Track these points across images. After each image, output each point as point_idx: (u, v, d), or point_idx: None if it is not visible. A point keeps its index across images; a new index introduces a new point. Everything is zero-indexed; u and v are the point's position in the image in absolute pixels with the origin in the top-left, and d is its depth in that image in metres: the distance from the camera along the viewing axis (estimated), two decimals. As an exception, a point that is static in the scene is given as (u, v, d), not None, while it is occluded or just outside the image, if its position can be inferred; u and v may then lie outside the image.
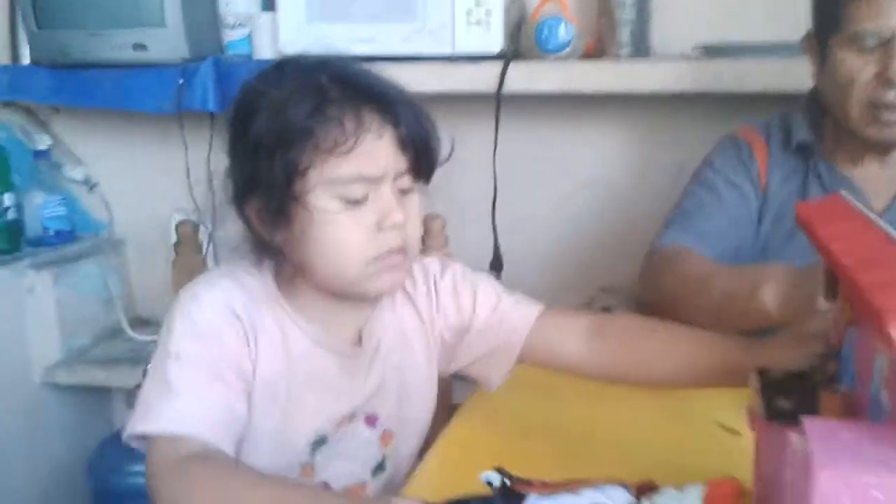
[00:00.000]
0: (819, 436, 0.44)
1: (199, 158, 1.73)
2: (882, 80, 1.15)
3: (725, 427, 0.94)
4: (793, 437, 0.46)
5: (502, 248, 1.78)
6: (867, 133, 1.20)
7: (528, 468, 0.72)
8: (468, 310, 1.01)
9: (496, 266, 1.78)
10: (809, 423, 0.45)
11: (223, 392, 0.86)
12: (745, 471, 0.73)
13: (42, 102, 1.98)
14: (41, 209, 1.99)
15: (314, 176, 0.84)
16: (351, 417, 0.96)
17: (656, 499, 0.66)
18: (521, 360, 1.00)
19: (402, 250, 0.88)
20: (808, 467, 0.43)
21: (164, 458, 0.81)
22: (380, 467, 0.99)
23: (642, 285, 1.29)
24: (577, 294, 1.95)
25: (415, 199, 0.91)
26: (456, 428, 1.02)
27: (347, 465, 0.96)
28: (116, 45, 1.76)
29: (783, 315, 0.95)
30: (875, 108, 1.17)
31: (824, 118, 1.29)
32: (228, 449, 0.84)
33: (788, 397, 0.64)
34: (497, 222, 1.76)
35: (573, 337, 0.99)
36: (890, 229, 0.53)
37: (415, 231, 0.91)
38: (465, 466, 0.89)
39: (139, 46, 1.76)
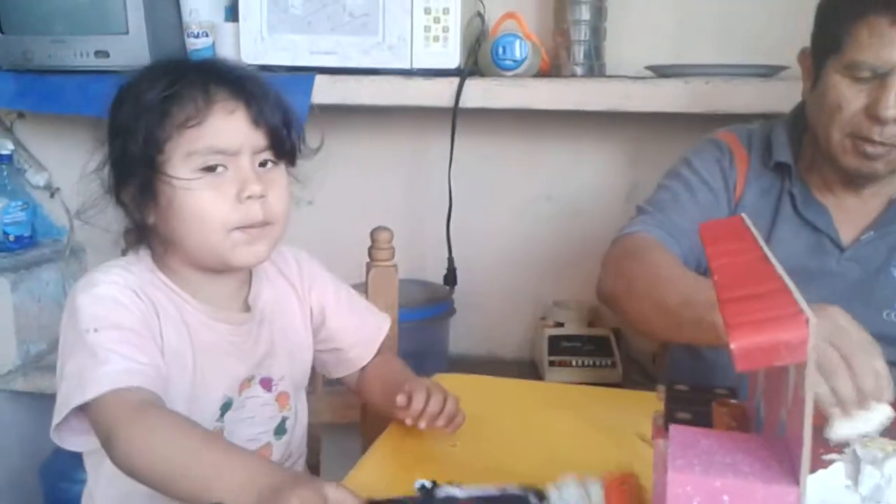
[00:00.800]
0: (680, 442, 0.46)
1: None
2: (870, 113, 1.12)
3: (644, 439, 0.97)
4: (660, 442, 0.48)
5: (456, 262, 1.81)
6: (843, 161, 1.18)
7: (457, 472, 0.76)
8: (331, 302, 1.13)
9: (450, 280, 1.81)
10: (674, 431, 0.48)
11: (148, 349, 0.91)
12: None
13: (5, 107, 1.98)
14: (2, 214, 1.99)
15: (171, 149, 0.91)
16: (250, 381, 1.03)
17: (562, 487, 0.69)
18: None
19: (264, 222, 0.95)
20: (666, 470, 0.45)
21: (115, 409, 0.84)
22: (280, 429, 1.06)
23: (604, 271, 1.26)
24: (531, 308, 1.98)
25: (278, 175, 0.98)
26: (392, 430, 1.04)
27: (252, 428, 1.03)
28: (79, 52, 1.77)
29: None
30: (857, 139, 1.15)
31: (805, 135, 1.28)
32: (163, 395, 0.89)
33: (688, 409, 0.67)
34: (452, 236, 1.79)
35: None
36: (770, 254, 0.55)
37: (278, 204, 0.96)
38: (399, 469, 0.93)
39: (101, 53, 1.77)
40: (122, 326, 0.90)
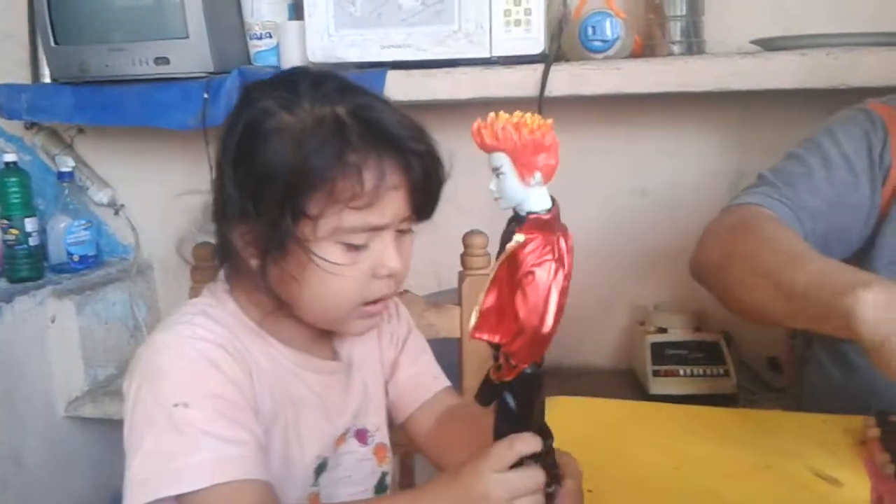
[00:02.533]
0: None
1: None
2: None
3: (823, 476, 0.81)
4: None
5: (547, 265, 1.66)
6: None
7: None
8: (398, 351, 1.01)
9: (541, 284, 1.66)
10: None
11: (246, 422, 0.77)
12: None
13: (63, 122, 1.91)
14: (65, 234, 1.91)
15: (323, 224, 0.77)
16: (344, 435, 0.91)
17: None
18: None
19: (389, 297, 0.85)
20: None
21: None
22: (381, 486, 0.95)
23: (707, 239, 1.09)
24: (628, 313, 1.83)
25: (410, 240, 0.85)
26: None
27: (349, 487, 0.91)
28: (138, 60, 1.69)
29: (874, 332, 0.79)
30: None
31: None
32: (268, 477, 0.76)
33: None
34: (542, 237, 1.64)
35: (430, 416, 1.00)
36: None
37: (404, 273, 0.85)
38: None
39: (161, 60, 1.67)
40: (215, 398, 0.76)
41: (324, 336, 0.91)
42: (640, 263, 1.80)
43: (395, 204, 0.79)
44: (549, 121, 0.61)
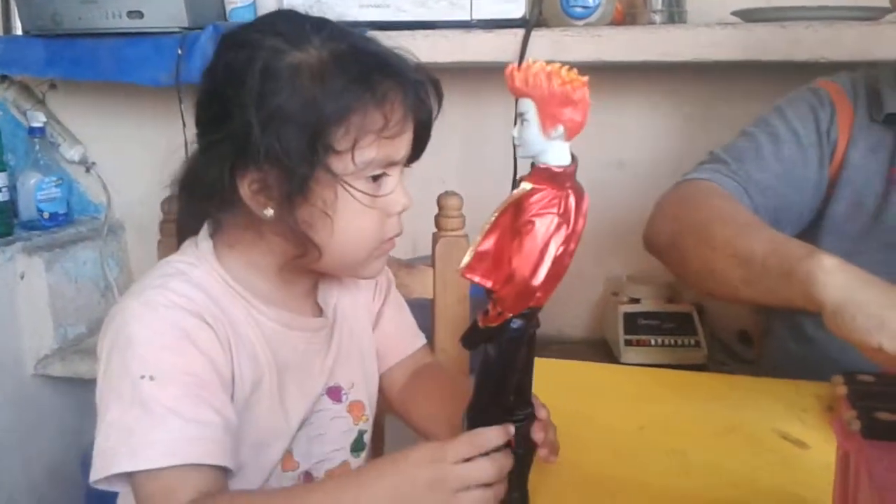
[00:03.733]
0: None
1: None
2: None
3: (790, 439, 0.81)
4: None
5: (523, 233, 1.65)
6: None
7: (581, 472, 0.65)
8: (382, 301, 1.01)
9: (516, 252, 1.65)
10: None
11: (215, 400, 0.75)
12: (815, 487, 0.63)
13: (34, 75, 1.86)
14: (35, 191, 1.88)
15: (355, 157, 0.75)
16: (319, 394, 0.89)
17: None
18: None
19: (399, 235, 0.85)
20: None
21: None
22: (358, 444, 0.93)
23: (658, 214, 1.13)
24: (602, 284, 1.83)
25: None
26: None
27: (322, 446, 0.89)
28: (111, 13, 1.64)
29: (834, 295, 0.80)
30: None
31: None
32: (230, 463, 0.75)
33: (889, 408, 0.51)
34: (518, 204, 1.63)
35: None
36: None
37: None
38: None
39: (135, 14, 1.64)
40: (184, 374, 0.74)
41: (308, 293, 0.90)
42: (615, 234, 1.80)
43: (408, 141, 0.80)
44: (585, 78, 0.60)
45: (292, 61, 0.74)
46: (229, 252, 0.83)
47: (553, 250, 0.59)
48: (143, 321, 0.76)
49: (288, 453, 0.85)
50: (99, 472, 0.72)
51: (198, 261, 0.83)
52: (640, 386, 1.01)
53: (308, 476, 0.87)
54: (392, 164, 0.79)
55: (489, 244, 0.61)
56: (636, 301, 1.69)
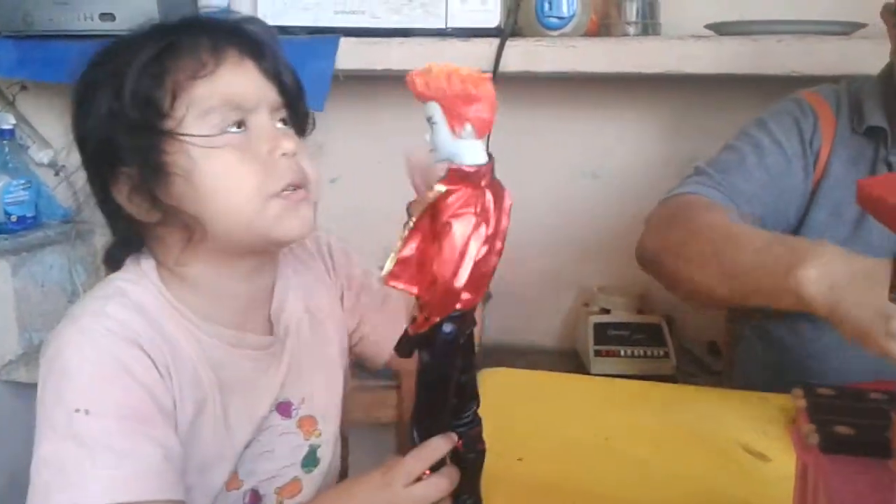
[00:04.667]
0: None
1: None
2: None
3: (751, 451, 0.81)
4: None
5: (495, 242, 1.64)
6: None
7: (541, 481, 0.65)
8: (357, 273, 0.98)
9: (489, 261, 1.65)
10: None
11: (155, 430, 0.73)
12: (775, 499, 0.64)
13: (4, 76, 1.84)
14: (3, 193, 1.84)
15: (181, 107, 0.75)
16: (268, 411, 0.86)
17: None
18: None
19: (303, 186, 0.79)
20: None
21: None
22: (310, 460, 0.89)
23: (649, 230, 1.12)
24: (573, 294, 1.83)
25: (302, 142, 0.82)
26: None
27: (271, 463, 0.86)
28: (83, 15, 1.63)
29: (825, 304, 0.82)
30: None
31: None
32: (176, 494, 0.73)
33: (847, 422, 0.51)
34: (490, 214, 1.62)
35: None
36: None
37: (310, 167, 0.80)
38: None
39: (107, 16, 1.62)
40: (119, 406, 0.72)
41: (257, 307, 0.86)
42: (588, 245, 1.81)
43: (247, 80, 0.78)
44: (487, 74, 0.59)
45: (108, 65, 0.77)
46: (165, 267, 0.81)
47: (474, 250, 0.59)
48: (78, 350, 0.73)
49: (233, 473, 0.83)
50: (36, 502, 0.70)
51: (138, 278, 0.80)
52: (607, 396, 1.00)
53: (255, 494, 0.84)
54: (242, 107, 0.77)
55: (410, 250, 0.60)
56: (606, 312, 1.69)
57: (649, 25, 1.55)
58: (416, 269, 0.60)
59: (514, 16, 1.54)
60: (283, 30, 1.59)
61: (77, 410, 0.70)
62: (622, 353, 1.62)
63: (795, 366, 1.15)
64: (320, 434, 0.90)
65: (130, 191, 0.76)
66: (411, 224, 0.60)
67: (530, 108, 1.74)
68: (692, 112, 1.70)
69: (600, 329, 1.65)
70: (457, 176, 0.59)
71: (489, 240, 0.59)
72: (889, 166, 1.10)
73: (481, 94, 0.57)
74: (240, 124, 0.77)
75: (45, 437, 0.72)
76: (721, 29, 1.49)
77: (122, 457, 0.70)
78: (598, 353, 1.62)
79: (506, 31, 1.49)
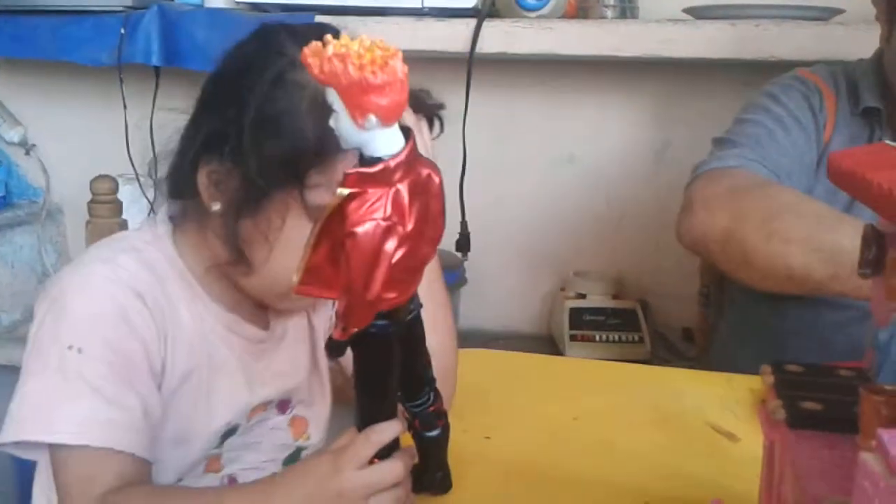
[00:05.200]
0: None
1: (143, 116, 1.58)
2: None
3: (721, 431, 0.81)
4: (867, 458, 0.32)
5: (470, 227, 1.64)
6: None
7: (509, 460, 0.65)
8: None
9: (463, 246, 1.64)
10: (887, 437, 0.32)
11: (140, 385, 0.72)
12: (743, 478, 0.65)
13: (-29, 53, 1.80)
14: (-29, 172, 1.82)
15: (313, 197, 0.71)
16: (266, 406, 0.85)
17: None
18: None
19: None
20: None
21: (80, 488, 0.68)
22: (293, 460, 0.88)
23: (698, 210, 1.03)
24: (550, 279, 1.82)
25: None
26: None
27: (256, 454, 0.86)
28: (53, -10, 1.60)
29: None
30: None
31: (892, 86, 1.11)
32: (146, 453, 0.72)
33: (813, 397, 0.51)
34: (465, 199, 1.61)
35: None
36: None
37: None
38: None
39: (78, -9, 1.59)
40: (113, 352, 0.71)
41: (259, 306, 0.86)
42: (565, 229, 1.80)
43: None
44: (393, 50, 0.51)
45: (301, 80, 0.70)
46: (187, 239, 0.80)
47: (387, 255, 0.53)
48: (82, 291, 0.73)
49: (215, 456, 0.83)
50: (7, 435, 0.70)
51: (154, 239, 0.80)
52: (578, 377, 1.00)
53: (231, 481, 0.84)
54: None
55: (320, 256, 0.54)
56: (582, 296, 1.69)
57: (627, 9, 1.54)
58: (331, 273, 0.55)
59: (493, -4, 1.53)
60: (257, 7, 1.57)
61: (70, 347, 0.70)
62: (597, 338, 1.61)
63: (780, 351, 1.14)
64: (309, 437, 0.90)
65: (216, 178, 0.74)
66: (316, 230, 0.54)
67: (507, 91, 1.73)
68: (670, 96, 1.69)
69: (576, 314, 1.65)
70: (359, 180, 0.52)
71: (410, 237, 0.54)
72: None
73: (384, 80, 0.49)
74: None
75: (33, 370, 0.71)
76: (699, 13, 1.49)
77: (105, 402, 0.69)
78: (573, 338, 1.61)
79: (483, 12, 1.48)
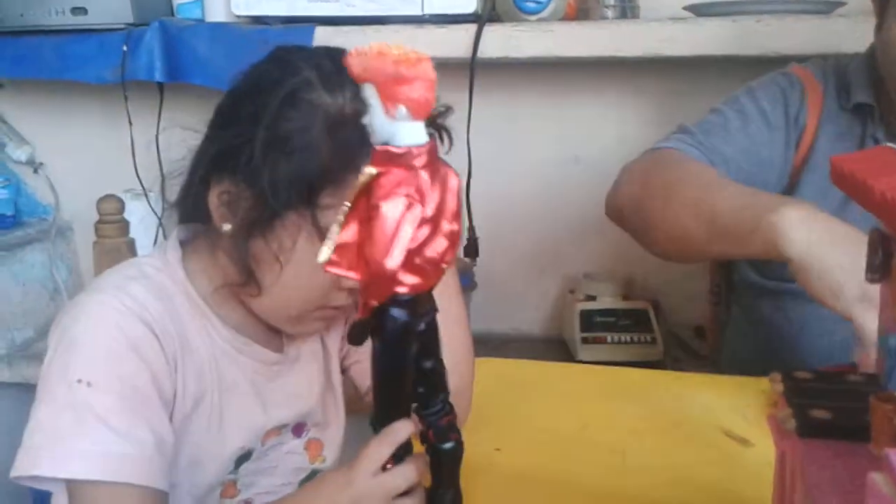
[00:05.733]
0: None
1: (148, 132, 1.59)
2: None
3: (732, 436, 0.80)
4: (876, 478, 0.32)
5: (478, 231, 1.64)
6: None
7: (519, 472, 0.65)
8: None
9: (471, 251, 1.64)
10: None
11: (152, 416, 0.73)
12: (756, 485, 0.63)
13: (-26, 74, 1.81)
14: (-19, 192, 1.83)
15: (324, 217, 0.71)
16: (281, 430, 0.85)
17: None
18: None
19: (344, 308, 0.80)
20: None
21: None
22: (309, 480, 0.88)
23: (626, 178, 1.11)
24: (559, 281, 1.82)
25: None
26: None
27: (272, 478, 0.86)
28: (54, 10, 1.61)
29: (799, 247, 0.80)
30: None
31: (884, 80, 1.10)
32: (161, 485, 0.72)
33: (823, 405, 0.50)
34: (472, 203, 1.61)
35: None
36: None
37: None
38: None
39: (79, 10, 1.60)
40: (123, 384, 0.71)
41: (273, 327, 0.86)
42: (572, 231, 1.79)
43: None
44: (423, 55, 0.56)
45: (316, 100, 0.71)
46: (198, 262, 0.81)
47: (408, 232, 0.56)
48: (91, 323, 0.73)
49: (231, 482, 0.83)
50: (20, 469, 0.71)
51: (164, 265, 0.80)
52: (586, 384, 0.99)
53: None
54: None
55: (350, 235, 0.58)
56: (592, 298, 1.68)
57: (627, 9, 1.53)
58: (356, 254, 0.58)
59: (492, 1, 1.53)
60: (258, 20, 1.58)
61: (80, 381, 0.70)
62: (609, 339, 1.61)
63: (784, 345, 1.14)
64: (325, 460, 0.90)
65: (227, 198, 0.74)
66: (346, 208, 0.58)
67: (510, 94, 1.73)
68: (673, 94, 1.69)
69: (586, 316, 1.64)
70: (385, 157, 0.57)
71: (429, 221, 0.57)
72: (876, 142, 1.10)
73: (415, 74, 0.54)
74: None
75: (43, 402, 0.72)
76: (700, 10, 1.48)
77: (117, 436, 0.70)
78: (584, 341, 1.61)
79: (483, 17, 1.48)
